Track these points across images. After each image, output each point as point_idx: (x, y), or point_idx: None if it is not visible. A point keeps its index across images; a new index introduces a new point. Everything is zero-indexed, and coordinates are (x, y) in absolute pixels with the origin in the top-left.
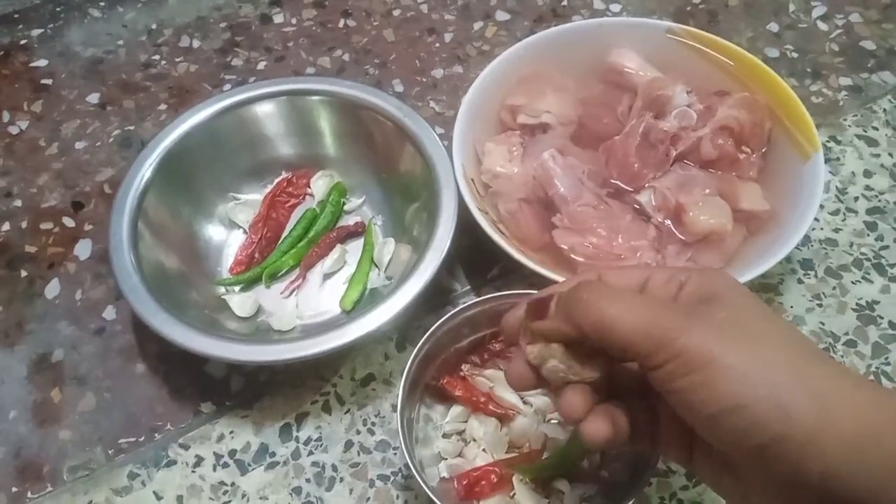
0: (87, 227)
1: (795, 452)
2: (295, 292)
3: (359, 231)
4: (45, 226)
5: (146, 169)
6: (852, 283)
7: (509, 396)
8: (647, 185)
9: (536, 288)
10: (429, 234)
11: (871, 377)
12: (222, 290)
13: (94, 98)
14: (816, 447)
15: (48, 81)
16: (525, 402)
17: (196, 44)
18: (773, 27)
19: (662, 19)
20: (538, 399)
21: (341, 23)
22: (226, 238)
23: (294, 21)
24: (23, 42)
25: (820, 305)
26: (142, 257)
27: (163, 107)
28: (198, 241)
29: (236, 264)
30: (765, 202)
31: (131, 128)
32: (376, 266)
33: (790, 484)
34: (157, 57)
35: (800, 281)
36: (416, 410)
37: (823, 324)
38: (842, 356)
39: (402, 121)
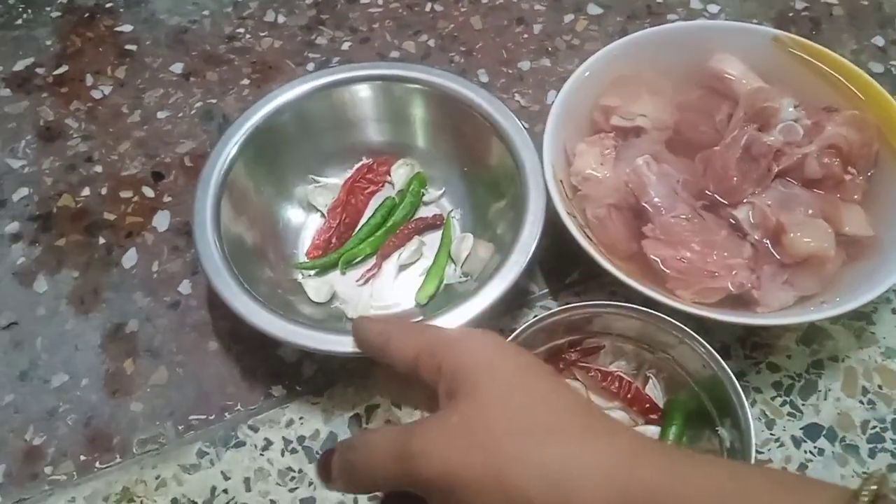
0: (167, 199)
1: None
2: (370, 281)
3: (437, 223)
4: (124, 194)
5: (232, 146)
6: None
7: None
8: (745, 201)
9: (617, 297)
10: (514, 235)
11: None
12: (298, 273)
13: (177, 68)
14: None
15: (132, 48)
16: None
17: (281, 19)
18: (879, 41)
19: (763, 24)
20: (616, 413)
21: (428, 7)
22: (304, 221)
23: (381, 2)
24: (108, 5)
25: None
26: (223, 234)
27: (245, 81)
28: (277, 222)
29: (313, 248)
30: (869, 228)
31: (213, 101)
32: (452, 261)
33: None
34: (241, 30)
35: (894, 311)
36: None
37: None
38: None
39: (493, 116)
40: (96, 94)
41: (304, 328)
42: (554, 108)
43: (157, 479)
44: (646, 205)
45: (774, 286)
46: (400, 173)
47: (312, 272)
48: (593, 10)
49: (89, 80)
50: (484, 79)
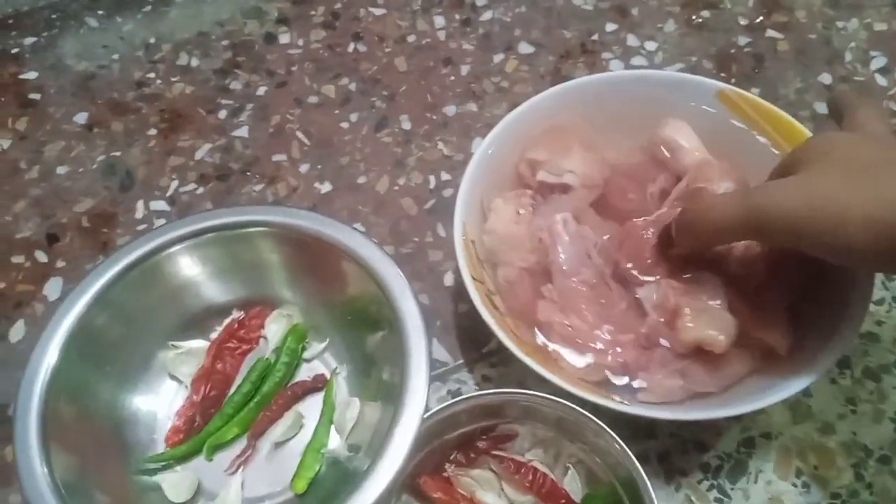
0: (60, 264)
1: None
2: (241, 468)
3: (318, 386)
4: (16, 259)
5: (51, 355)
6: (892, 387)
7: (493, 501)
8: (654, 280)
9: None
10: (400, 378)
11: None
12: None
13: (81, 118)
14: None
15: (36, 96)
16: None
17: (195, 62)
18: (826, 78)
19: (703, 62)
20: None
21: (351, 47)
22: (162, 399)
23: (301, 42)
24: (14, 51)
25: (854, 412)
26: (53, 459)
27: (152, 132)
28: (124, 414)
29: (173, 432)
30: (784, 340)
31: (117, 153)
32: (337, 432)
33: None
34: (151, 75)
35: (833, 381)
36: None
37: (856, 434)
38: (873, 473)
39: (349, 248)
40: None
41: None
42: (470, 168)
43: None
44: (551, 264)
45: (663, 373)
46: (274, 328)
47: (175, 464)
48: (524, 49)
49: None
50: (406, 125)
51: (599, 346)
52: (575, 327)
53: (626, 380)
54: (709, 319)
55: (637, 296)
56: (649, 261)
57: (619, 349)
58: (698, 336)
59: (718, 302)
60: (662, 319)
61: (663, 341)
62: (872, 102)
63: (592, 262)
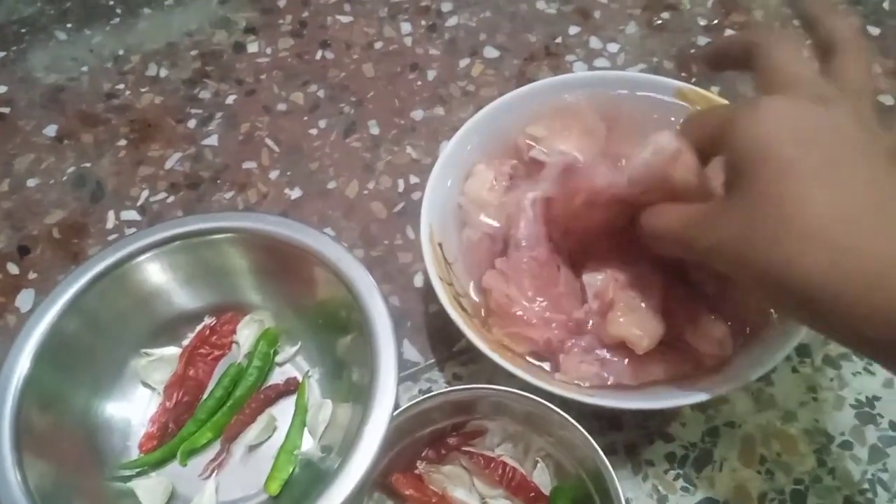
0: (32, 276)
1: None
2: (215, 472)
3: (291, 389)
4: None
5: (23, 365)
6: (852, 374)
7: (464, 497)
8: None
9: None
10: (370, 379)
11: (866, 485)
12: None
13: (51, 130)
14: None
15: (6, 110)
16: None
17: (164, 73)
18: None
19: (664, 63)
20: (500, 502)
21: (319, 55)
22: (136, 406)
23: (269, 51)
24: None
25: (815, 399)
26: (29, 476)
27: (122, 142)
28: (100, 419)
29: (147, 439)
30: (712, 350)
31: (87, 165)
32: (310, 434)
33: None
34: (121, 86)
35: (794, 370)
36: None
37: (818, 421)
38: (835, 458)
39: (326, 257)
40: None
41: None
42: (435, 171)
43: None
44: (510, 237)
45: (582, 358)
46: (245, 333)
47: (149, 470)
48: (490, 53)
49: None
50: (374, 130)
51: (529, 318)
52: (512, 297)
53: (546, 362)
54: (637, 319)
55: (583, 280)
56: (591, 257)
57: (548, 326)
58: (622, 332)
59: (653, 304)
60: (597, 308)
61: (591, 326)
62: (863, 45)
63: (552, 244)
